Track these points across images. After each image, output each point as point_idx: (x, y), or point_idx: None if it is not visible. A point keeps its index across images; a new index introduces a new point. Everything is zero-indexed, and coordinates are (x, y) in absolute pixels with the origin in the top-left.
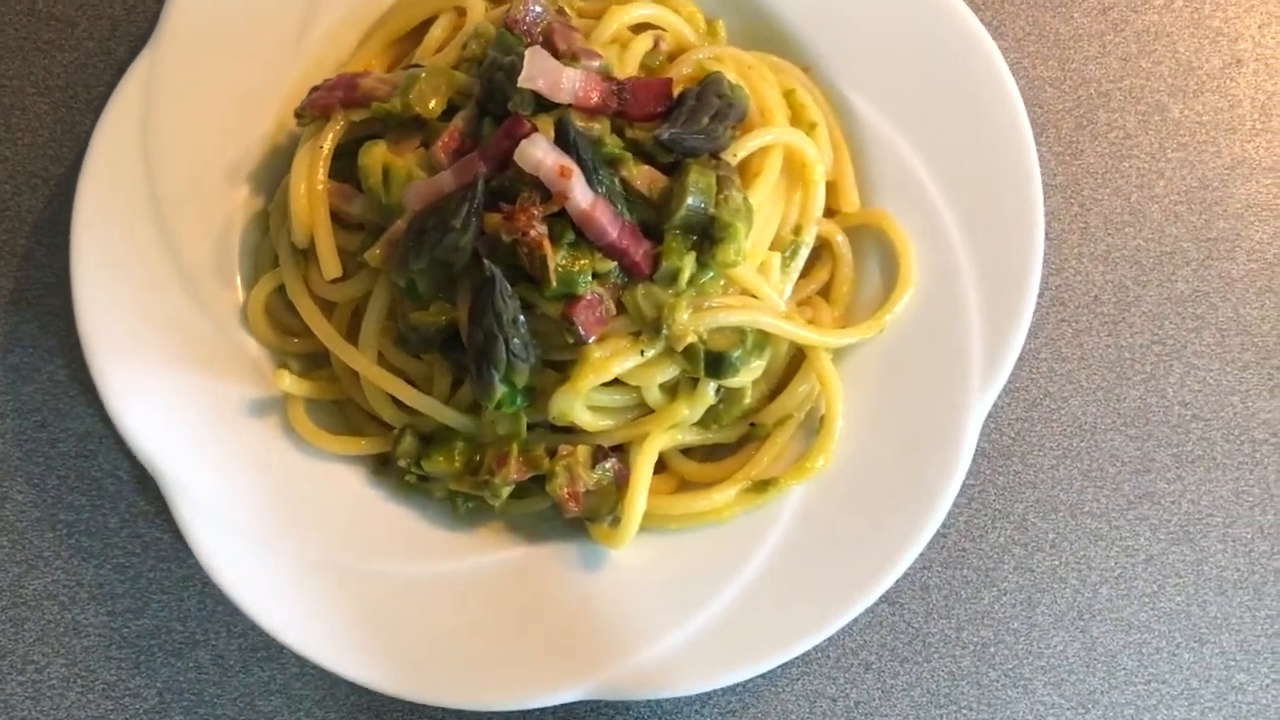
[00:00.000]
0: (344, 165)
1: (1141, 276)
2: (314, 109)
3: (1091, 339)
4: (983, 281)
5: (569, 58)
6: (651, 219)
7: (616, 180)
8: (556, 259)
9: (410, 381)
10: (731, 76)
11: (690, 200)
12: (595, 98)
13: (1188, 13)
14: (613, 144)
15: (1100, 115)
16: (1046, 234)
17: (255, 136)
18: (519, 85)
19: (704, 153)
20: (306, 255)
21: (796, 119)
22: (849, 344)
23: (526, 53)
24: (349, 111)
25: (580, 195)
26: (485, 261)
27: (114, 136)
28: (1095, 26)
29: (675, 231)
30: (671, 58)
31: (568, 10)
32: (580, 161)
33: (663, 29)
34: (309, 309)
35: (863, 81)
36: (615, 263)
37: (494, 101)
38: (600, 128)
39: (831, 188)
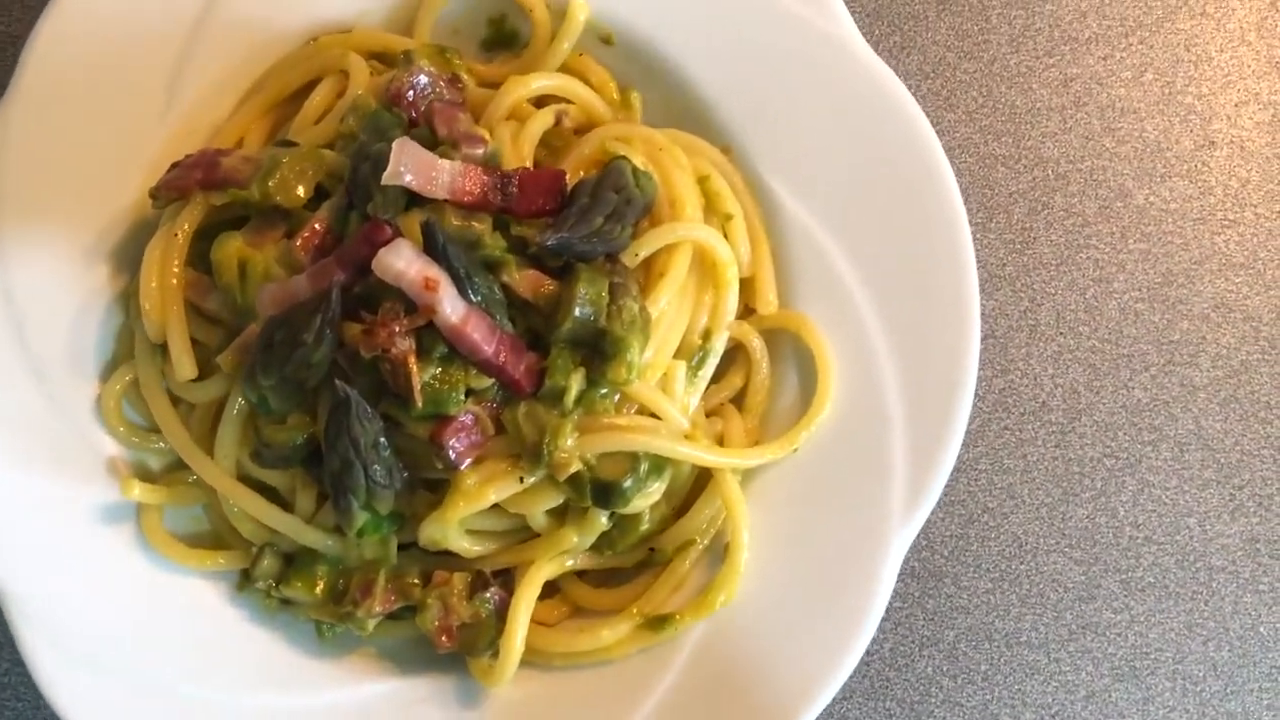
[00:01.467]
0: (206, 249)
1: (1094, 381)
2: (171, 190)
3: (1037, 449)
4: (910, 397)
5: (449, 144)
6: (540, 325)
7: (496, 287)
8: (425, 376)
9: (274, 493)
10: (638, 160)
11: (578, 312)
12: (475, 193)
13: (1158, 88)
14: (493, 245)
15: (1056, 199)
16: (992, 331)
17: (117, 209)
18: (383, 183)
19: (597, 256)
20: (165, 348)
21: (711, 209)
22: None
23: (394, 144)
24: (209, 194)
25: (450, 309)
26: (338, 383)
27: None
28: (1055, 100)
29: (562, 345)
30: (579, 132)
31: (463, 77)
32: (451, 270)
33: (569, 101)
34: (163, 410)
35: (786, 167)
36: (484, 380)
37: (360, 195)
38: (481, 226)
39: (748, 285)
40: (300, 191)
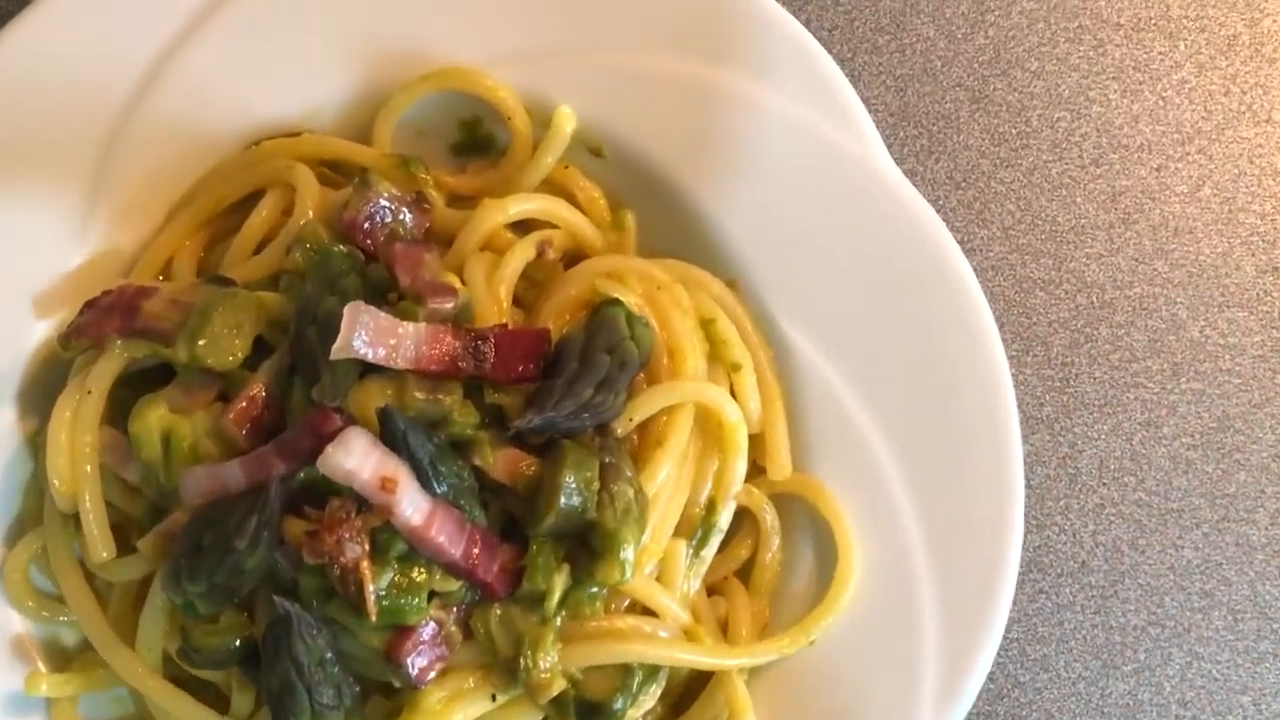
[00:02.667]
0: (127, 398)
1: (1140, 539)
2: (83, 337)
3: (1074, 616)
4: (943, 580)
5: (412, 298)
6: (517, 509)
7: (466, 472)
8: (381, 582)
9: (207, 685)
10: (633, 301)
11: (563, 502)
12: (443, 361)
13: (1217, 204)
14: (463, 422)
15: (1101, 330)
16: (1027, 481)
17: (28, 341)
18: (332, 357)
19: (585, 430)
20: (77, 519)
21: (716, 357)
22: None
23: (345, 310)
24: (128, 343)
25: (410, 509)
26: (277, 600)
27: None
28: (1102, 217)
29: (544, 539)
30: (565, 262)
31: (430, 196)
32: (413, 460)
33: (553, 225)
34: (75, 588)
35: (801, 305)
36: (451, 583)
37: (305, 365)
38: (449, 399)
39: (757, 443)
40: (235, 352)
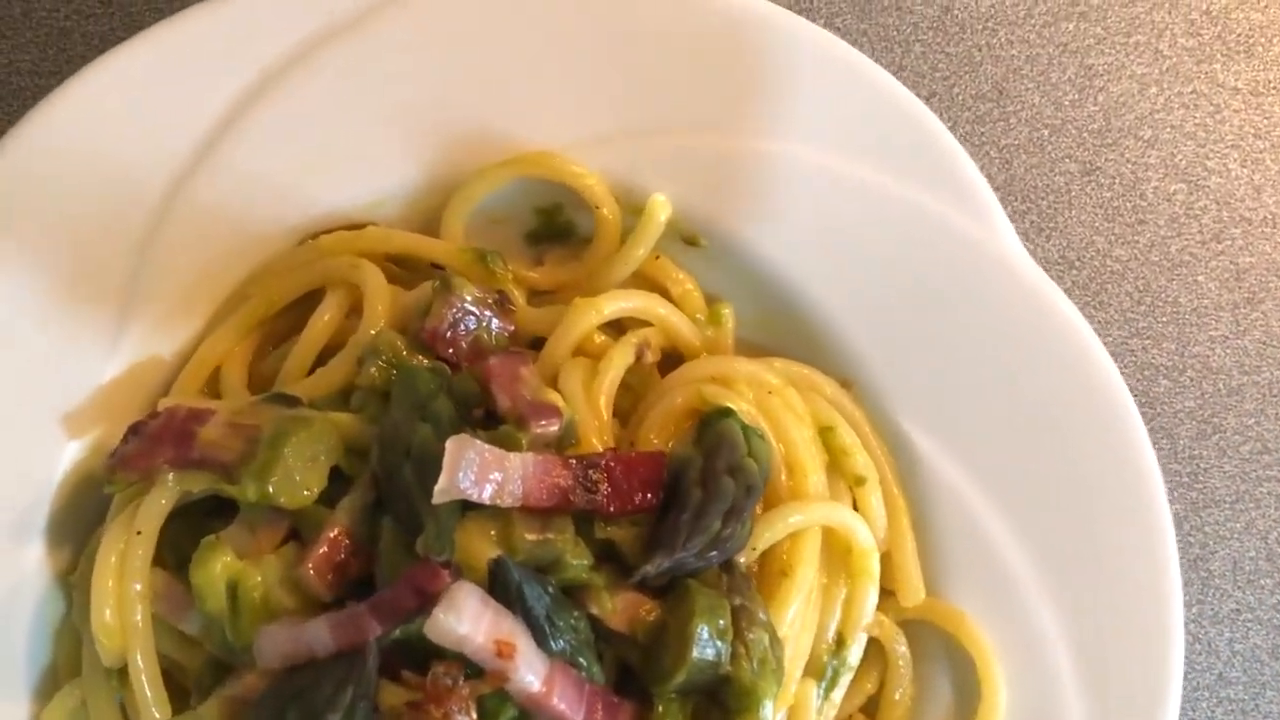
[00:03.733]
0: (180, 533)
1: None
2: (130, 471)
3: None
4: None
5: (513, 421)
6: (635, 659)
7: (584, 622)
8: None
9: None
10: (745, 409)
11: (696, 655)
12: (554, 495)
13: None
14: (577, 564)
15: (1229, 420)
16: None
17: (56, 466)
18: (435, 500)
19: (711, 567)
20: (123, 672)
21: (837, 468)
22: None
23: (448, 446)
24: (182, 475)
25: (528, 675)
26: None
27: None
28: (1225, 296)
29: (671, 697)
30: (661, 365)
31: (513, 296)
32: (529, 617)
33: (647, 323)
34: None
35: (926, 409)
36: None
37: (399, 509)
38: (560, 539)
39: (885, 563)
40: (311, 487)
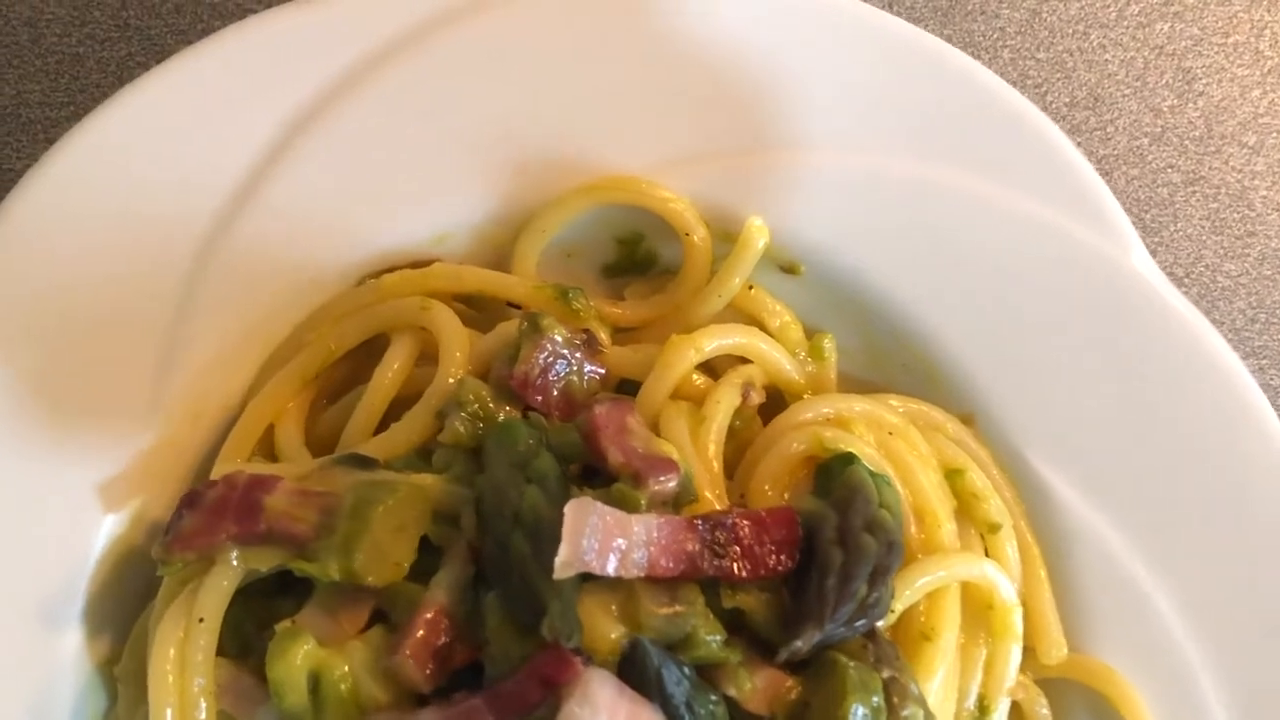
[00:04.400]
0: (241, 615)
1: None
2: (190, 550)
3: None
4: None
5: (627, 478)
6: None
7: (721, 707)
8: None
9: None
10: (868, 454)
11: None
12: (679, 561)
13: None
14: (711, 641)
15: None
16: None
17: (91, 542)
18: (557, 575)
19: (855, 637)
20: None
21: (967, 514)
22: None
23: (566, 512)
24: (248, 552)
25: None
26: None
27: None
28: None
29: None
30: (764, 409)
31: (598, 334)
32: (667, 706)
33: (743, 359)
34: None
35: (1059, 443)
36: None
37: (504, 574)
38: (689, 611)
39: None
40: (401, 561)
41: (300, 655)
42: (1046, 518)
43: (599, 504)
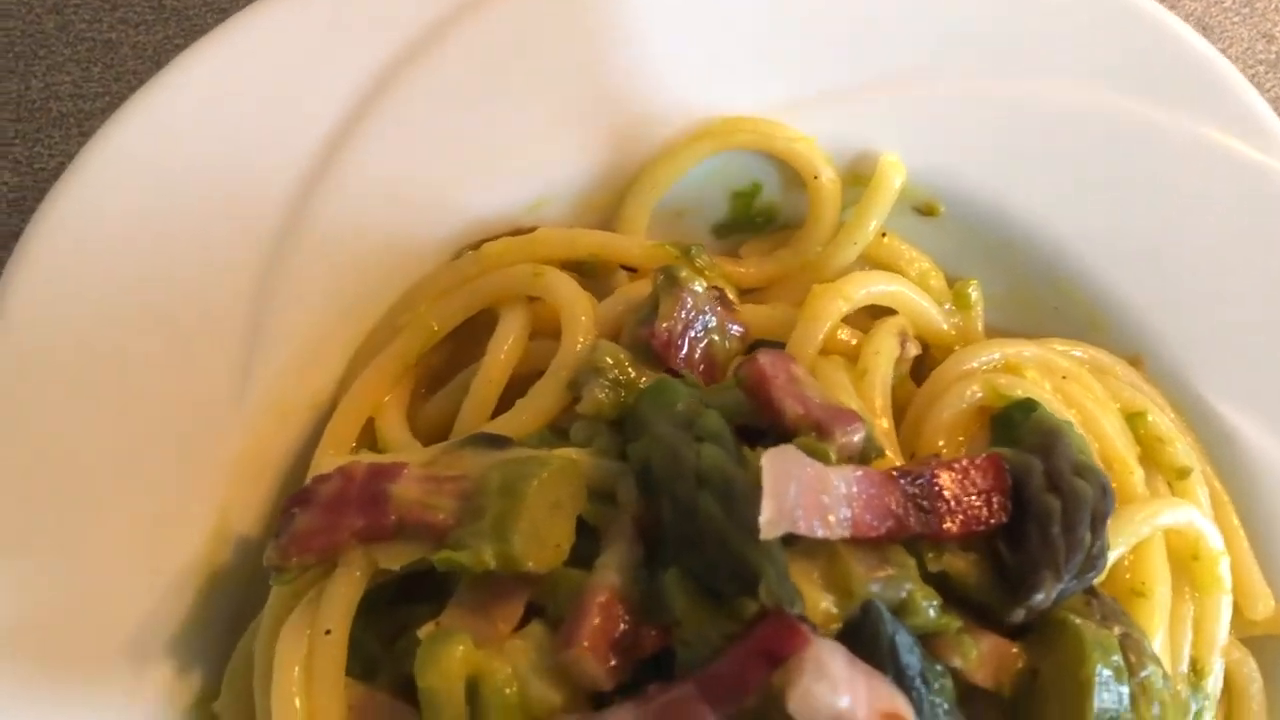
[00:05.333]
0: (360, 632)
1: None
2: (309, 552)
3: None
4: None
5: (809, 428)
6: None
7: (948, 681)
8: None
9: None
10: (1048, 401)
11: (1098, 705)
12: (884, 519)
13: None
14: (929, 607)
15: None
16: None
17: (172, 564)
18: (764, 536)
19: (1075, 593)
20: None
21: (1151, 460)
22: None
23: (765, 464)
24: (376, 550)
25: None
26: None
27: None
28: None
29: None
30: (917, 361)
31: (725, 291)
32: (902, 679)
33: (890, 310)
34: None
35: (1240, 380)
36: None
37: (693, 544)
38: (900, 574)
39: None
40: (561, 542)
41: (457, 659)
42: (1232, 461)
43: (801, 453)
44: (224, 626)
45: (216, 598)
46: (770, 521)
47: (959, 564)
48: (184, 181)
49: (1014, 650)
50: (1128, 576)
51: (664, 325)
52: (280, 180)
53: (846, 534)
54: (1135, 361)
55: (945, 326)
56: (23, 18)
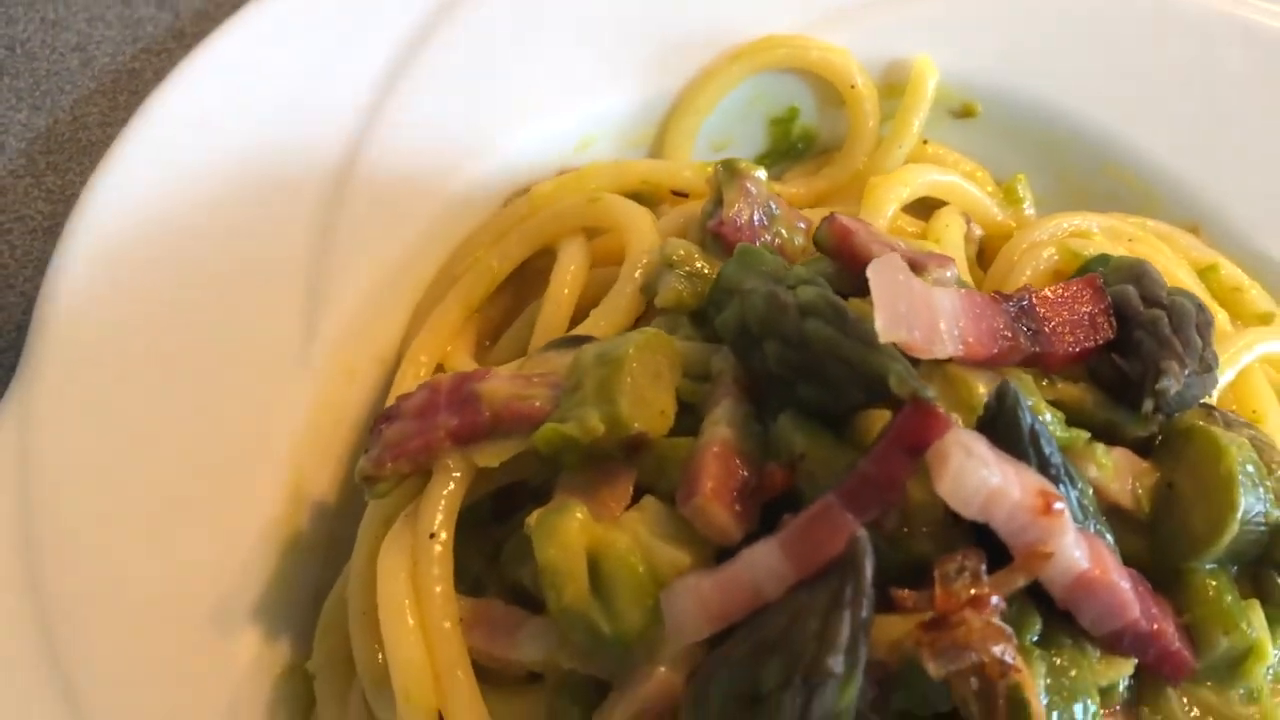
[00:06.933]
0: (461, 552)
1: None
2: (402, 458)
3: None
4: None
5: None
6: (1135, 547)
7: (1089, 489)
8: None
9: None
10: (1120, 255)
11: (1243, 504)
12: (993, 339)
13: None
14: (1053, 422)
15: None
16: None
17: (254, 529)
18: (884, 338)
19: (1193, 404)
20: None
21: (1230, 309)
22: None
23: (870, 274)
24: (469, 450)
25: (1074, 549)
26: None
27: None
28: None
29: (1212, 571)
30: (980, 248)
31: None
32: (1046, 469)
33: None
34: None
35: None
36: (1125, 666)
37: (809, 371)
38: (1017, 384)
39: None
40: (665, 408)
41: (575, 530)
42: None
43: (904, 264)
44: (308, 594)
45: (298, 564)
46: (886, 326)
47: (1071, 391)
48: (234, 143)
49: (1145, 465)
50: (1233, 408)
51: (730, 213)
52: (329, 135)
53: (959, 351)
54: (1193, 229)
55: (1001, 217)
56: (47, 58)
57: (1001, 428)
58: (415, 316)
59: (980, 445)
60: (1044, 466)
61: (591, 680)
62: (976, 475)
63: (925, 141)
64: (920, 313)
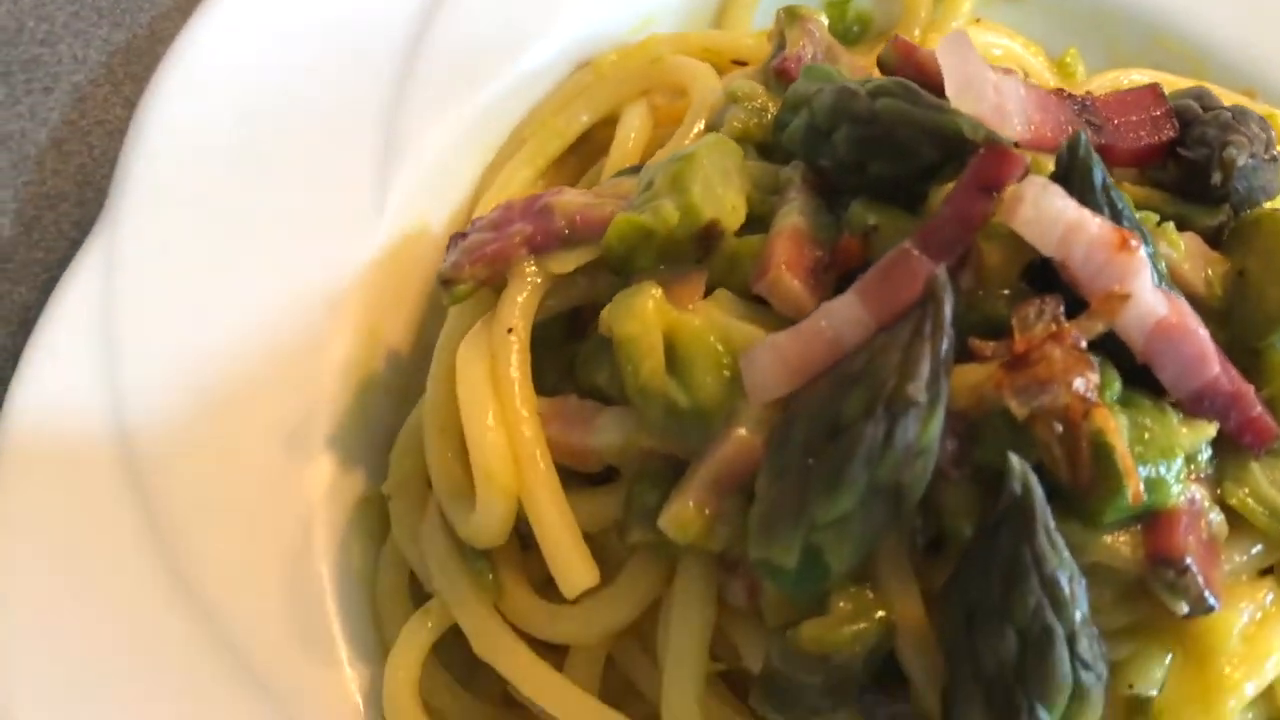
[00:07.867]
0: (538, 362)
1: None
2: (479, 265)
3: None
4: None
5: None
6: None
7: (1162, 263)
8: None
9: None
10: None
11: None
12: (1059, 130)
13: None
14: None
15: None
16: None
17: (329, 367)
18: (954, 104)
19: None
20: (494, 562)
21: None
22: None
23: (940, 49)
24: (546, 259)
25: (1153, 294)
26: (1013, 459)
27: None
28: None
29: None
30: None
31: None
32: (1119, 220)
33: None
34: (522, 665)
35: None
36: (1208, 429)
37: (879, 148)
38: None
39: None
40: (737, 204)
41: (652, 307)
42: None
43: (971, 41)
44: (381, 434)
45: (372, 404)
46: (956, 93)
47: (1138, 191)
48: (314, 16)
49: (1215, 254)
50: None
51: (793, 51)
52: (402, 7)
53: (1027, 133)
54: (1249, 94)
55: (1055, 84)
56: (80, 90)
57: (1075, 179)
58: (483, 180)
59: (1052, 185)
60: (1116, 218)
61: (669, 464)
62: (1054, 205)
63: (978, 20)
64: (988, 93)
